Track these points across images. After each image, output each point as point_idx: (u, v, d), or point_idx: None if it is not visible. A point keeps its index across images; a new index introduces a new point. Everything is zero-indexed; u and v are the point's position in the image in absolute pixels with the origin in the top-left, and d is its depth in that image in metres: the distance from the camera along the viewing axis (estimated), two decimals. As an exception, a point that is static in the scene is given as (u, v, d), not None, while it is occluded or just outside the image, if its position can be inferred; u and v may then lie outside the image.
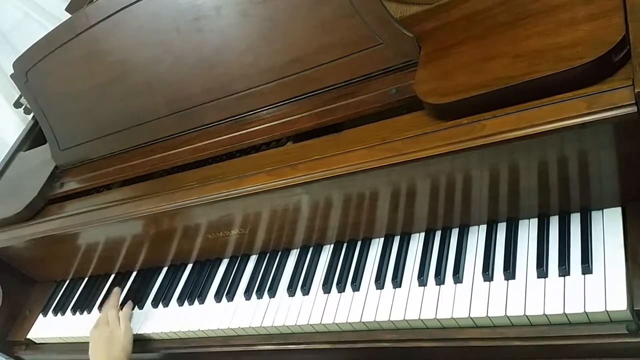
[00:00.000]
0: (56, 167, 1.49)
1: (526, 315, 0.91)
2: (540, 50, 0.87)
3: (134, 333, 1.32)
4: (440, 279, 1.02)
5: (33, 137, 1.68)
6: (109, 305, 1.35)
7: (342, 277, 1.13)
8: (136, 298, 1.39)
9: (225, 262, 1.33)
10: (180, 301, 1.32)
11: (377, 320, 1.04)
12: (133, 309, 1.37)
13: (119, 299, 1.38)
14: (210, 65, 1.18)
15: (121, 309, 1.34)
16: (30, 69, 1.36)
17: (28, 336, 1.53)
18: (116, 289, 1.40)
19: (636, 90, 0.77)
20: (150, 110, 1.29)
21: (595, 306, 0.87)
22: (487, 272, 0.98)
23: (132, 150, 1.37)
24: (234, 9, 1.11)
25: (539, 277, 0.94)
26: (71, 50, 1.29)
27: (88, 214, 1.34)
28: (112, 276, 1.50)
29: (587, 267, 0.90)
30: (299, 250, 1.23)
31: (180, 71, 1.21)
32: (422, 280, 1.04)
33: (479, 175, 0.96)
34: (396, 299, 1.05)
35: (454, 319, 0.97)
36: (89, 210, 1.34)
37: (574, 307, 0.88)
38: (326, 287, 1.13)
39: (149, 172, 1.33)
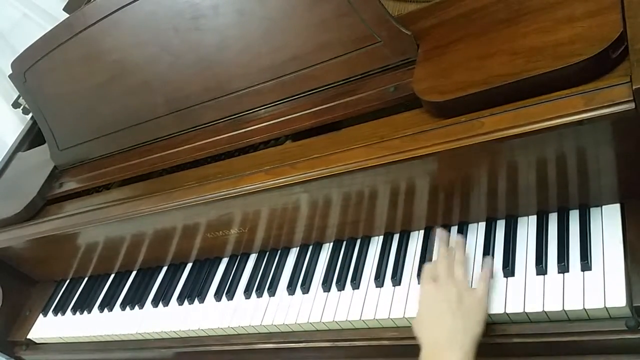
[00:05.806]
0: (55, 167, 1.49)
1: (525, 312, 0.92)
2: (538, 47, 0.87)
3: (135, 333, 1.32)
4: (439, 277, 1.02)
5: (32, 138, 1.67)
6: (457, 260, 1.00)
7: (342, 276, 1.13)
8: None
9: (224, 261, 1.33)
10: (180, 300, 1.32)
11: (376, 318, 1.04)
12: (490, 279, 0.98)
13: (464, 252, 1.02)
14: (208, 64, 1.18)
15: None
16: (29, 69, 1.36)
17: (28, 336, 1.53)
18: (461, 239, 1.04)
19: (634, 87, 0.77)
20: (149, 109, 1.29)
21: (594, 303, 0.87)
22: (487, 270, 0.99)
23: (131, 149, 1.36)
24: (232, 8, 1.11)
25: (538, 274, 0.94)
26: (69, 50, 1.29)
27: (87, 214, 1.34)
28: (112, 276, 1.50)
29: (586, 263, 0.90)
30: (298, 248, 1.23)
31: (179, 70, 1.21)
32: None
33: (478, 173, 0.96)
34: (396, 296, 1.05)
35: (453, 316, 0.97)
36: (88, 210, 1.34)
37: (573, 304, 0.88)
38: (326, 286, 1.13)
39: (148, 171, 1.33)
